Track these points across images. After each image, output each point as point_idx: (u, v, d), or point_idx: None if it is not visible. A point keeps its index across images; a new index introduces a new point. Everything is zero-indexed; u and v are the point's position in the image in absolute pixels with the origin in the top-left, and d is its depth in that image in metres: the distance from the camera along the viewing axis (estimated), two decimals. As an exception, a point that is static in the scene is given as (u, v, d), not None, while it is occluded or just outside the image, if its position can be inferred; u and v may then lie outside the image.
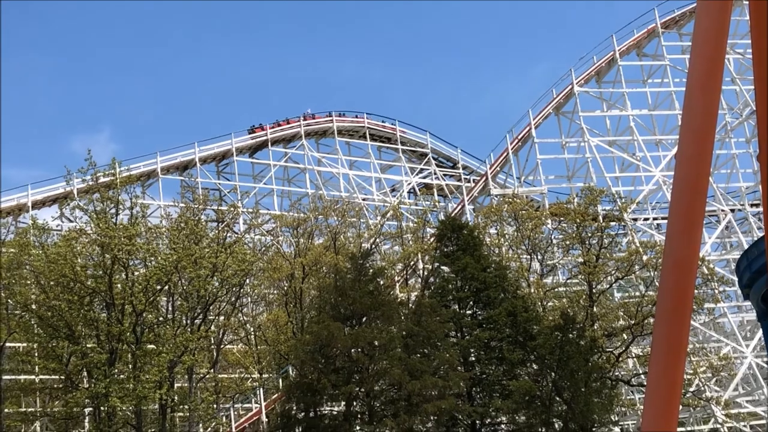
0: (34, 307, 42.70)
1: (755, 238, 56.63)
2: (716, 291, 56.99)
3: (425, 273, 55.53)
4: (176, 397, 44.17)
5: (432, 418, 38.44)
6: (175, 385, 46.22)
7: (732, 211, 71.31)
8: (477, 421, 42.18)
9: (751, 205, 70.81)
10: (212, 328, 49.03)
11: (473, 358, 44.07)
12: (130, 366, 41.36)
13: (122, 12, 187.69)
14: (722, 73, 5.87)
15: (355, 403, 38.87)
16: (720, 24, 5.73)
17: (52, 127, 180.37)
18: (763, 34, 5.79)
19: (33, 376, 46.80)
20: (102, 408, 39.74)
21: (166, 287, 43.57)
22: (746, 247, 49.84)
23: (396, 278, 58.27)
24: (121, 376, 40.73)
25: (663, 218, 67.09)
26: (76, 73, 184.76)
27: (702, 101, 5.71)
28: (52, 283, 41.21)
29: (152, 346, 41.54)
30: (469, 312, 45.09)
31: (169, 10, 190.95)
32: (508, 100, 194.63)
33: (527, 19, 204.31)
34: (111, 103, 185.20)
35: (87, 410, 43.30)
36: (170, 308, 45.65)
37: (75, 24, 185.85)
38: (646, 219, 69.46)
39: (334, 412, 39.93)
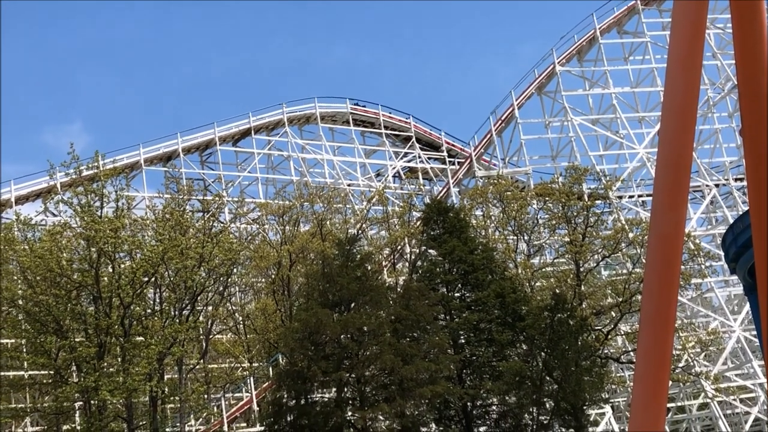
0: (21, 302, 42.51)
1: (740, 212, 56.84)
2: (703, 266, 57.28)
3: (412, 257, 55.57)
4: (166, 389, 44.12)
5: (424, 401, 38.52)
6: (165, 376, 46.19)
7: (716, 185, 71.54)
8: (468, 404, 42.31)
9: (736, 180, 71.11)
10: (201, 318, 48.92)
11: (463, 341, 44.16)
12: (119, 359, 41.26)
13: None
14: (703, 48, 5.85)
15: (345, 390, 38.90)
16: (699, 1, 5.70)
17: (21, 119, 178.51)
18: (742, 8, 5.76)
19: (22, 372, 46.61)
20: (92, 402, 39.63)
21: (153, 279, 43.43)
22: (731, 221, 50.06)
23: (383, 263, 58.27)
24: (111, 369, 40.61)
25: (648, 195, 67.26)
26: (43, 64, 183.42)
27: (683, 77, 5.68)
28: (38, 278, 41.03)
29: (141, 338, 41.43)
30: (457, 294, 45.16)
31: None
32: (496, 80, 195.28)
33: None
34: (82, 94, 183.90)
35: (77, 404, 43.18)
36: (158, 300, 45.55)
37: (43, 14, 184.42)
38: (631, 196, 69.63)
39: (325, 399, 39.93)
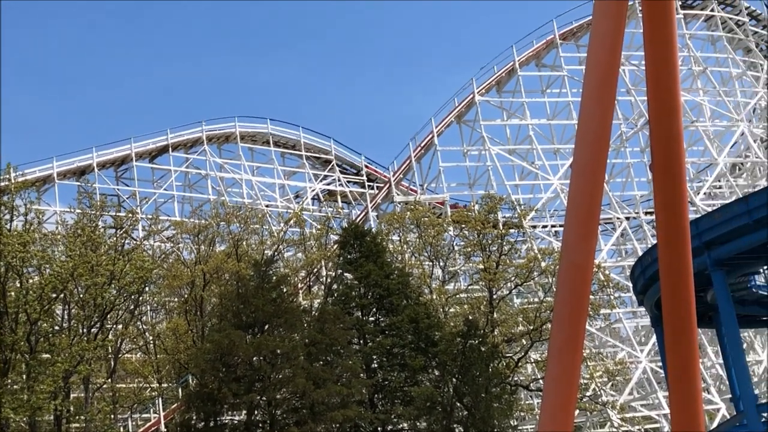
0: None
1: (649, 245, 58.19)
2: (612, 297, 58.35)
3: (328, 280, 55.43)
4: (72, 408, 43.13)
5: (335, 426, 38.35)
6: (71, 395, 45.14)
7: (627, 218, 73.12)
8: (379, 428, 42.24)
9: (646, 213, 72.72)
10: (110, 336, 48.04)
11: (376, 365, 44.15)
12: (24, 376, 40.23)
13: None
14: (616, 82, 5.99)
15: (256, 412, 38.53)
16: (615, 32, 5.85)
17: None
18: (655, 46, 5.92)
19: None
20: (-6, 420, 38.53)
21: (62, 295, 42.52)
22: (641, 254, 51.20)
23: (299, 285, 58.00)
24: (15, 386, 39.56)
25: (561, 225, 68.30)
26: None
27: (597, 111, 5.81)
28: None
29: (47, 355, 40.48)
30: (372, 319, 45.16)
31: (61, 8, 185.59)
32: (422, 107, 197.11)
33: (444, 28, 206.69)
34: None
35: (-22, 422, 41.90)
36: (66, 317, 44.60)
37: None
38: (544, 226, 70.74)
39: (235, 422, 39.52)
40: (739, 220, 32.39)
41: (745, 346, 57.94)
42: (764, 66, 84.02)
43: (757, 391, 44.94)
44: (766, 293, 41.51)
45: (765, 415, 35.26)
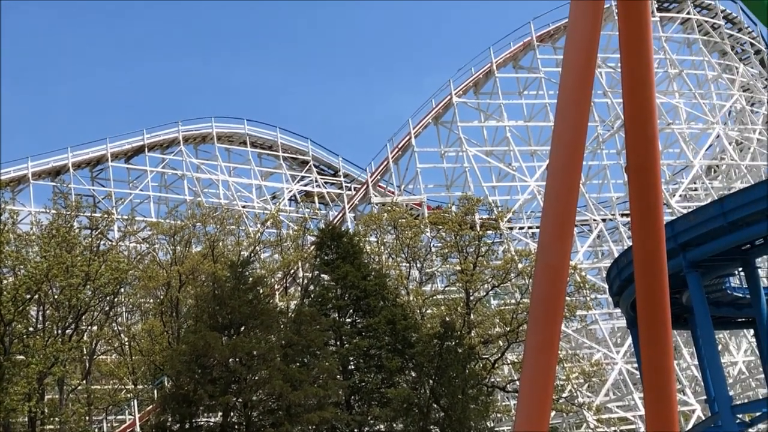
0: None
1: (625, 247, 58.46)
2: (588, 298, 58.56)
3: (305, 281, 55.32)
4: (46, 410, 42.86)
5: (311, 427, 38.28)
6: (46, 396, 44.85)
7: (603, 220, 73.40)
8: (355, 430, 42.20)
9: (622, 215, 73.00)
10: (84, 338, 47.77)
11: (352, 367, 44.11)
12: (-2, 378, 39.96)
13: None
14: (593, 84, 6.00)
15: (232, 414, 38.38)
16: (591, 34, 5.85)
17: None
18: (631, 48, 5.93)
19: None
20: (-33, 422, 38.22)
21: (37, 296, 42.24)
22: (617, 255, 51.41)
23: (276, 287, 57.84)
24: (-12, 388, 39.27)
25: (537, 227, 68.42)
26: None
27: (573, 112, 5.81)
28: None
29: (21, 356, 40.21)
30: (348, 320, 45.13)
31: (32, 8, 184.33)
32: (400, 109, 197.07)
33: (417, 31, 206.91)
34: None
35: (-50, 425, 41.54)
36: (40, 318, 44.30)
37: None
38: (521, 228, 70.89)
39: (211, 423, 39.34)
40: (714, 222, 32.58)
41: (720, 347, 58.32)
42: (740, 69, 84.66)
43: (731, 393, 45.29)
44: (740, 295, 41.79)
45: (739, 416, 35.50)
